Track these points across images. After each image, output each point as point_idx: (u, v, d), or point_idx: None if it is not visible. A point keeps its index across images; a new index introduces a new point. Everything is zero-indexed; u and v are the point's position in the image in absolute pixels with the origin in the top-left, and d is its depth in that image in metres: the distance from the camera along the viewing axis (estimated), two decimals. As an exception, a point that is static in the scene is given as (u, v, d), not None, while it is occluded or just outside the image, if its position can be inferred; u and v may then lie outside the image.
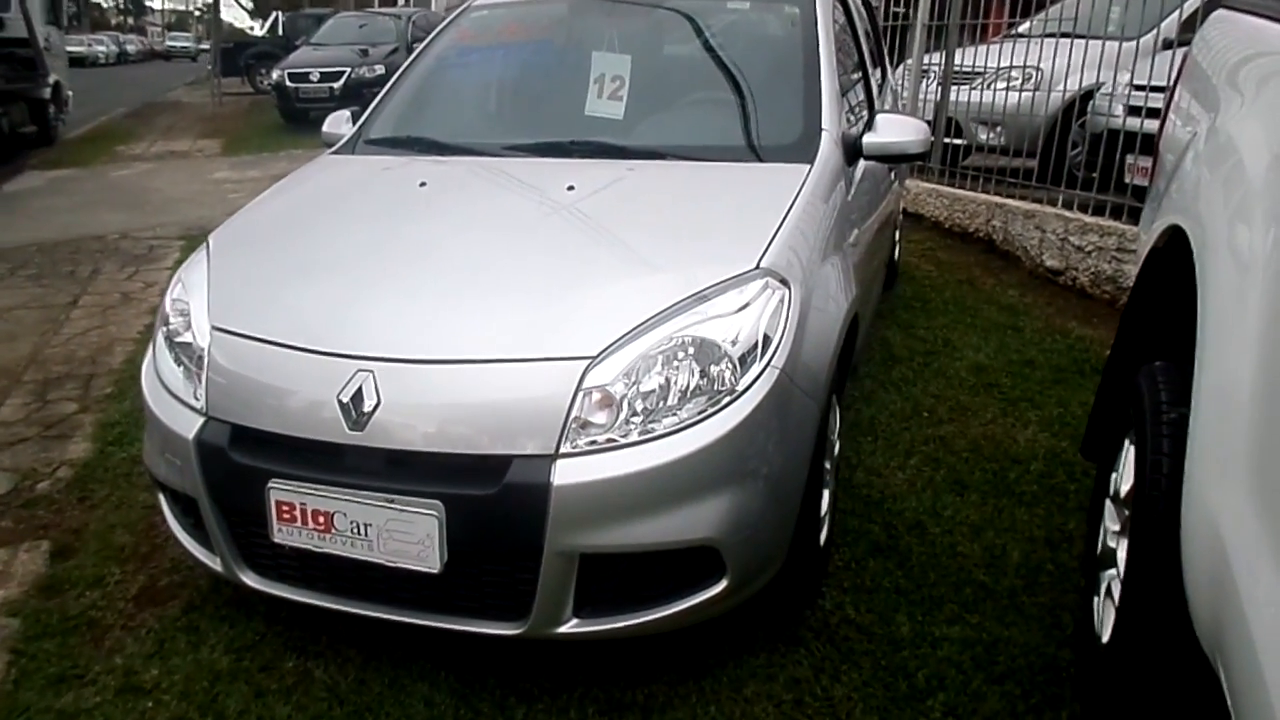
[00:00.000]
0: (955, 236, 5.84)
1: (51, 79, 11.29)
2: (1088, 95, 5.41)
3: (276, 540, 1.83)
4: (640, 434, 1.72)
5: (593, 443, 1.71)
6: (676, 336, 1.78)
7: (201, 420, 1.92)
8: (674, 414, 1.73)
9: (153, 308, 2.00)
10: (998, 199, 5.49)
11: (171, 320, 2.13)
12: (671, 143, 2.60)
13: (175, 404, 1.99)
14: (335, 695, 1.95)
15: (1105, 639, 1.74)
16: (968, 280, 4.95)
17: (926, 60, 6.41)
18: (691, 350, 1.77)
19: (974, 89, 5.87)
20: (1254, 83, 1.76)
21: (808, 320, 1.94)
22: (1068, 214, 4.85)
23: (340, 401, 1.76)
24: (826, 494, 2.24)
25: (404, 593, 1.86)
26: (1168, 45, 4.56)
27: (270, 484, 1.79)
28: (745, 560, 1.82)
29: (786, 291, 1.90)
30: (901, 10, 6.96)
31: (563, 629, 1.80)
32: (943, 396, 3.41)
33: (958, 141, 6.25)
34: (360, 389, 1.76)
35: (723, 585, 1.81)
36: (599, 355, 1.74)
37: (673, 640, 2.04)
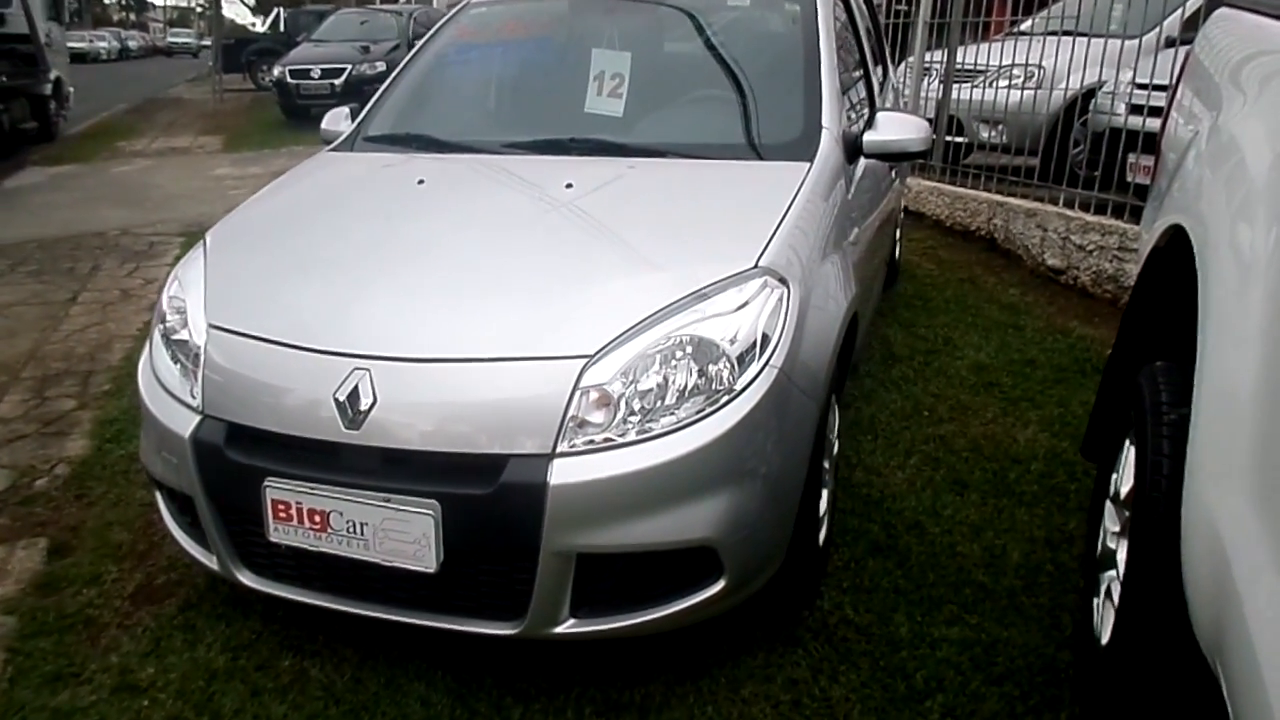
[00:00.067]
0: (956, 235, 5.83)
1: (53, 75, 11.30)
2: (1090, 93, 5.40)
3: (272, 539, 1.82)
4: (638, 433, 1.71)
5: (590, 442, 1.70)
6: (674, 335, 1.77)
7: (198, 418, 1.91)
8: (672, 413, 1.72)
9: (152, 304, 1.99)
10: (999, 197, 5.48)
11: (168, 318, 2.12)
12: (671, 140, 2.59)
13: (171, 402, 1.98)
14: (331, 694, 1.94)
15: (1105, 640, 1.74)
16: (969, 279, 4.94)
17: (928, 58, 6.40)
18: (689, 349, 1.76)
19: (976, 87, 5.85)
20: (1256, 81, 1.75)
21: (807, 319, 1.93)
22: (1069, 213, 4.84)
23: (336, 400, 1.76)
24: (825, 493, 2.23)
25: (400, 592, 1.85)
26: (1170, 43, 4.55)
27: (266, 482, 1.78)
28: (743, 560, 1.82)
29: (785, 290, 1.89)
30: (904, 8, 6.94)
31: (559, 629, 1.79)
32: (943, 395, 3.40)
33: (959, 139, 6.24)
34: (356, 387, 1.75)
35: (720, 585, 1.80)
36: (596, 354, 1.74)
37: (670, 640, 2.03)
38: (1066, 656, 2.03)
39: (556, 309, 1.87)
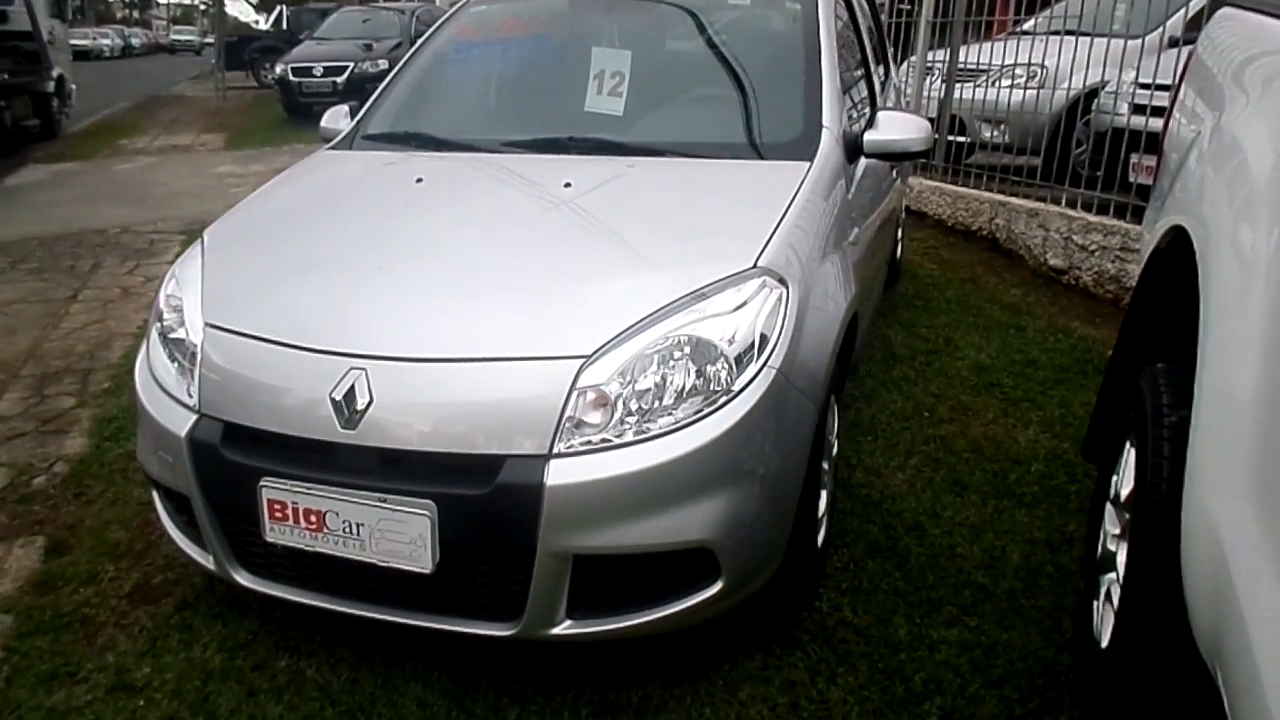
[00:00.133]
0: (958, 234, 5.81)
1: (55, 72, 11.31)
2: (1092, 93, 5.38)
3: (269, 539, 1.81)
4: (635, 434, 1.70)
5: (587, 443, 1.69)
6: (672, 335, 1.76)
7: (194, 417, 1.90)
8: (669, 414, 1.72)
9: (152, 303, 1.98)
10: (1001, 197, 5.47)
11: (165, 316, 2.11)
12: (671, 139, 2.58)
13: (168, 400, 1.97)
14: (327, 695, 1.94)
15: (1104, 643, 1.73)
16: (970, 279, 4.93)
17: (931, 57, 6.39)
18: (687, 349, 1.75)
19: (978, 86, 5.84)
20: (1259, 82, 1.74)
21: (806, 319, 1.92)
22: (1071, 213, 4.82)
23: (333, 399, 1.75)
24: (824, 494, 2.22)
25: (396, 592, 1.84)
26: (1173, 43, 4.54)
27: (262, 482, 1.78)
28: (741, 562, 1.81)
29: (784, 290, 1.88)
30: (906, 7, 6.93)
31: (556, 630, 1.78)
32: (944, 396, 3.39)
33: (961, 139, 6.22)
34: (353, 387, 1.75)
35: (718, 587, 1.79)
36: (594, 354, 1.73)
37: (667, 642, 2.03)
38: (1066, 659, 2.02)
39: (554, 309, 1.86)
